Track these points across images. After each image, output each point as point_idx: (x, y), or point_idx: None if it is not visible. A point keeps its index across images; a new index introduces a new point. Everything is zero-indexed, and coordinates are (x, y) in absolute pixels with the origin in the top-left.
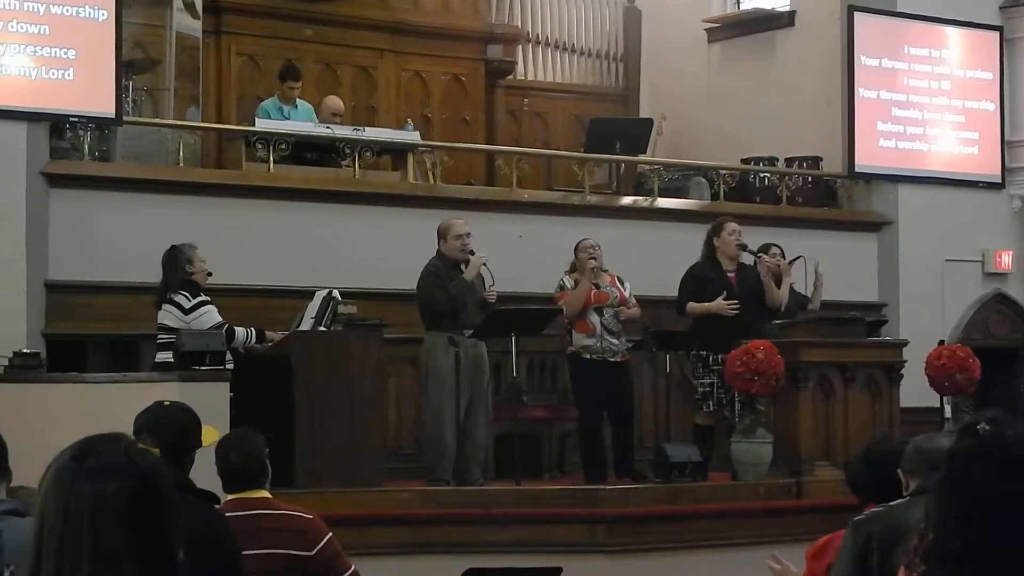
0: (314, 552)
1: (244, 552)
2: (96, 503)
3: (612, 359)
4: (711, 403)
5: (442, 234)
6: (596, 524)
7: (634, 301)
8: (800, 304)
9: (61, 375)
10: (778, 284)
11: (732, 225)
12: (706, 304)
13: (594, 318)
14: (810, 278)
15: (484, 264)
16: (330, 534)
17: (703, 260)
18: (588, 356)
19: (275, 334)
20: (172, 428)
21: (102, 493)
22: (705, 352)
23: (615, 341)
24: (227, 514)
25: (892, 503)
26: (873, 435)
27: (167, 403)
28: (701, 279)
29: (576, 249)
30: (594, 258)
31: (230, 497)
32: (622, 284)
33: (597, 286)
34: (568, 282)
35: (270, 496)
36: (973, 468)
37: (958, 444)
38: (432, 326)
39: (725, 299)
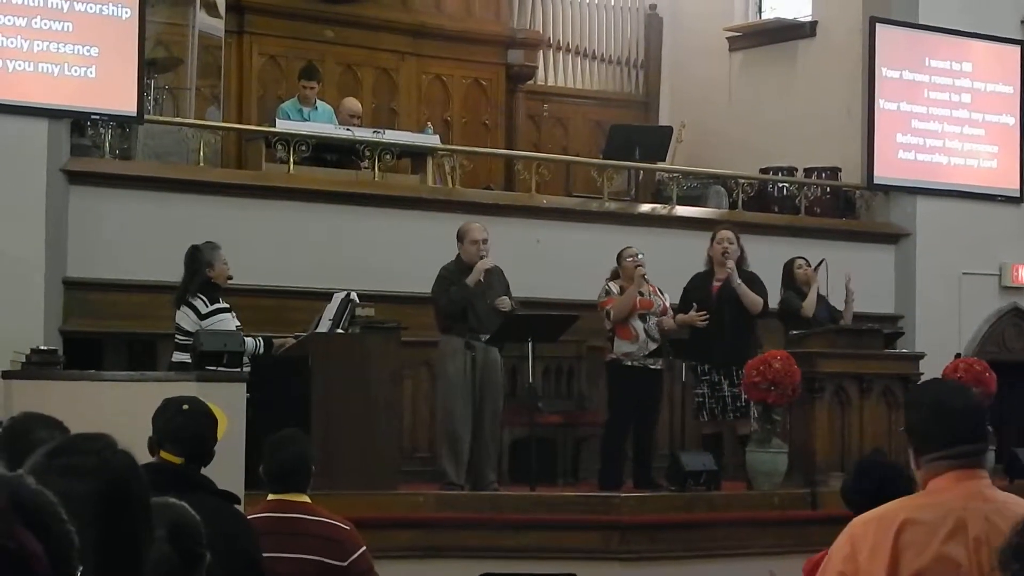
0: (347, 563)
1: (279, 555)
2: (65, 501)
3: (653, 366)
4: (704, 414)
5: (460, 237)
6: (611, 531)
7: (671, 312)
8: (833, 317)
9: (79, 372)
10: (805, 293)
11: (723, 233)
12: (680, 316)
13: (638, 324)
14: (833, 283)
15: (489, 269)
16: (364, 547)
17: (704, 270)
18: (629, 363)
19: (284, 341)
20: (194, 439)
21: (68, 492)
22: (694, 362)
23: (654, 347)
24: (267, 514)
25: None
26: (890, 446)
27: (185, 407)
28: (687, 290)
29: (619, 257)
30: (641, 265)
31: (272, 497)
32: (662, 294)
33: (641, 293)
34: (614, 288)
35: (310, 501)
36: None
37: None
38: (446, 330)
39: (698, 310)
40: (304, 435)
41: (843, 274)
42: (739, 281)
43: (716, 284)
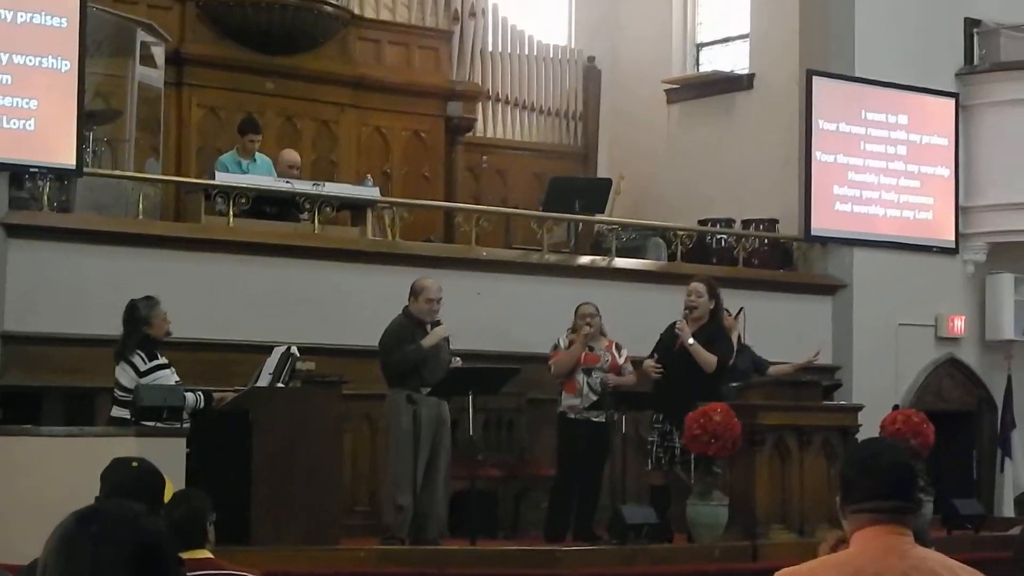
0: None
1: None
2: (94, 569)
3: (596, 419)
4: (651, 461)
5: (415, 292)
6: None
7: (630, 369)
8: (757, 367)
9: (17, 428)
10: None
11: (691, 286)
12: (645, 364)
13: (581, 378)
14: (753, 330)
15: (447, 338)
16: None
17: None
18: (572, 416)
19: (224, 394)
20: (144, 491)
21: (101, 559)
22: (652, 412)
23: (594, 399)
24: None
25: None
26: (829, 499)
27: (135, 463)
28: (661, 337)
29: (576, 312)
30: (589, 324)
31: None
32: (619, 351)
33: (591, 348)
34: (563, 342)
35: (212, 556)
36: None
37: None
38: (392, 383)
39: (659, 360)
40: (199, 492)
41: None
42: (691, 341)
43: (679, 335)
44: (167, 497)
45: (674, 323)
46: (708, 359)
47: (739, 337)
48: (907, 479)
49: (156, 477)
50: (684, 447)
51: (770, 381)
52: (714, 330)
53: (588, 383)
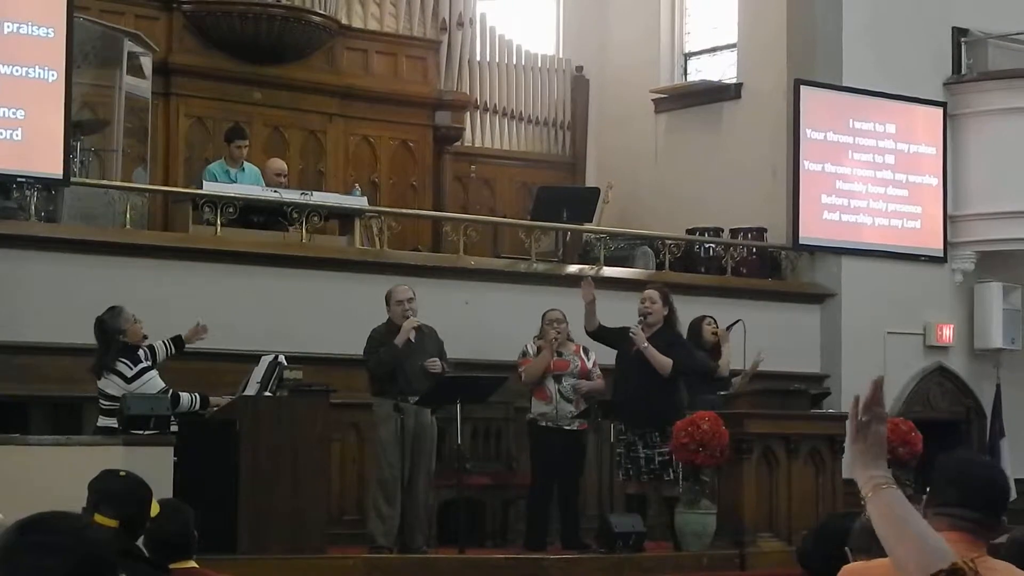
0: None
1: None
2: None
3: (568, 427)
4: (621, 473)
5: (387, 300)
6: None
7: (599, 373)
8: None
9: (5, 436)
10: (719, 352)
11: (645, 293)
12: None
13: (552, 386)
14: (750, 344)
15: (422, 331)
16: None
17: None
18: (544, 423)
19: (219, 399)
20: (131, 501)
21: (38, 569)
22: (615, 422)
23: (571, 408)
24: None
25: None
26: (817, 507)
27: (123, 473)
28: (622, 338)
29: (543, 318)
30: (557, 330)
31: None
32: (587, 355)
33: (560, 354)
34: (531, 349)
35: (197, 566)
36: None
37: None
38: (378, 392)
39: (619, 368)
40: (184, 503)
41: (756, 351)
42: (645, 344)
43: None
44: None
45: (628, 329)
46: (663, 362)
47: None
48: (998, 499)
49: (143, 489)
50: (650, 457)
51: (759, 389)
52: (671, 336)
53: (560, 390)
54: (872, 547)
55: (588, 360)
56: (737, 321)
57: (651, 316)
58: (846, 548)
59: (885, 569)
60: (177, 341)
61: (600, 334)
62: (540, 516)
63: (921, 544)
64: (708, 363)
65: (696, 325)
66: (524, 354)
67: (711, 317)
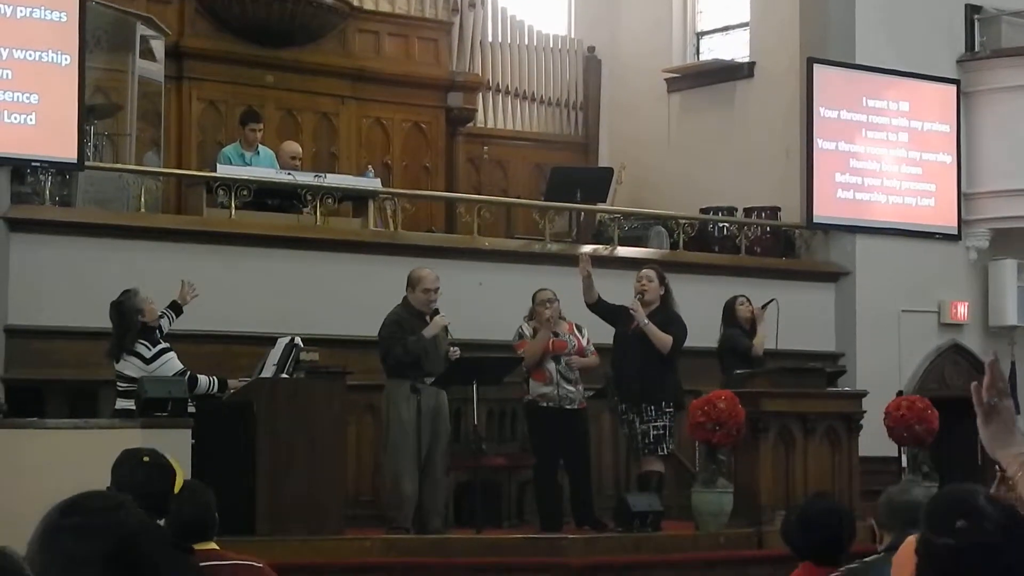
0: None
1: None
2: (73, 560)
3: (568, 407)
4: (632, 454)
5: (412, 283)
6: (557, 573)
7: (592, 349)
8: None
9: (22, 420)
10: (754, 331)
11: (642, 272)
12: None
13: (551, 366)
14: (783, 323)
15: (446, 327)
16: None
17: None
18: (544, 404)
19: (237, 382)
20: (154, 489)
21: (80, 550)
22: (617, 400)
23: (572, 389)
24: None
25: (867, 559)
26: (834, 485)
27: (146, 459)
28: (619, 313)
29: (533, 299)
30: (551, 309)
31: None
32: (580, 332)
33: (556, 334)
34: (527, 330)
35: (218, 547)
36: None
37: (936, 541)
38: (393, 374)
39: (617, 345)
40: (204, 485)
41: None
42: (646, 321)
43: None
44: (178, 484)
45: (626, 307)
46: (663, 339)
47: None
48: None
49: (165, 472)
50: (645, 432)
51: (775, 369)
52: (667, 315)
53: (559, 370)
54: (895, 523)
55: (583, 337)
56: (771, 300)
57: (647, 295)
58: (872, 522)
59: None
60: (174, 307)
61: (599, 307)
62: (550, 497)
63: None
64: (744, 342)
65: (730, 305)
66: (520, 336)
67: (744, 296)
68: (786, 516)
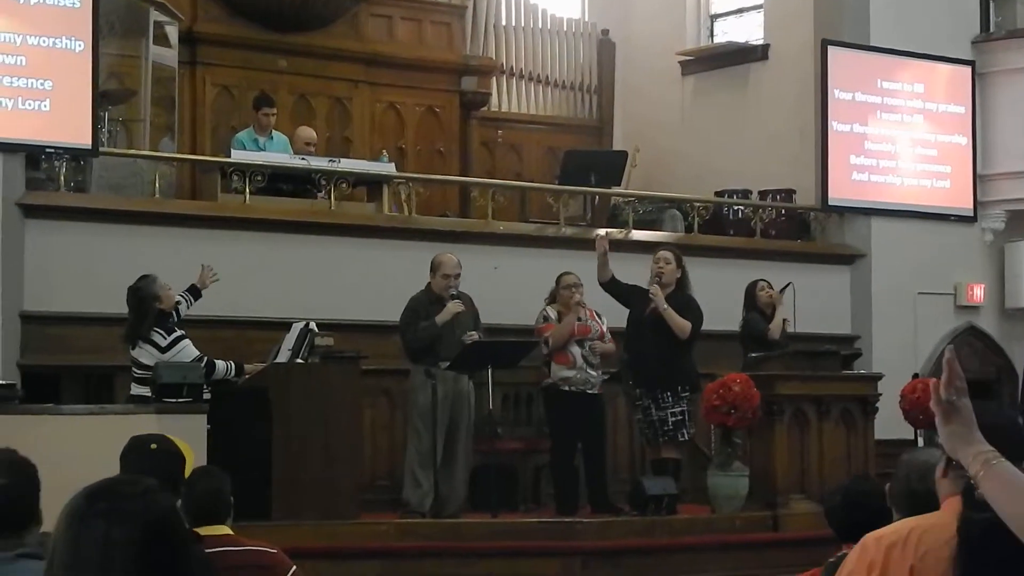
0: None
1: None
2: (104, 546)
3: (590, 391)
4: (641, 439)
5: (433, 268)
6: (572, 557)
7: (609, 336)
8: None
9: (37, 407)
10: (772, 316)
11: (659, 254)
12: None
13: (575, 350)
14: (799, 307)
15: (455, 298)
16: (295, 567)
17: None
18: (567, 388)
19: (254, 367)
20: (163, 477)
21: (111, 536)
22: (632, 384)
23: (594, 373)
24: None
25: None
26: (849, 469)
27: (154, 446)
28: (631, 293)
29: (557, 283)
30: (577, 293)
31: None
32: (600, 318)
33: (580, 319)
34: (552, 313)
35: (232, 532)
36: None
37: (976, 517)
38: (414, 359)
39: (632, 329)
40: (218, 469)
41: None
42: (665, 306)
43: (653, 306)
44: (188, 469)
45: (639, 287)
46: (682, 324)
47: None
48: (1015, 438)
49: (174, 459)
50: (663, 419)
51: (790, 352)
52: (684, 299)
53: (583, 355)
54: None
55: (604, 323)
56: (788, 284)
57: (665, 276)
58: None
59: (898, 535)
60: (193, 291)
61: (612, 286)
62: (568, 480)
63: None
64: (761, 326)
65: (750, 289)
66: (545, 319)
67: (764, 281)
68: (829, 497)
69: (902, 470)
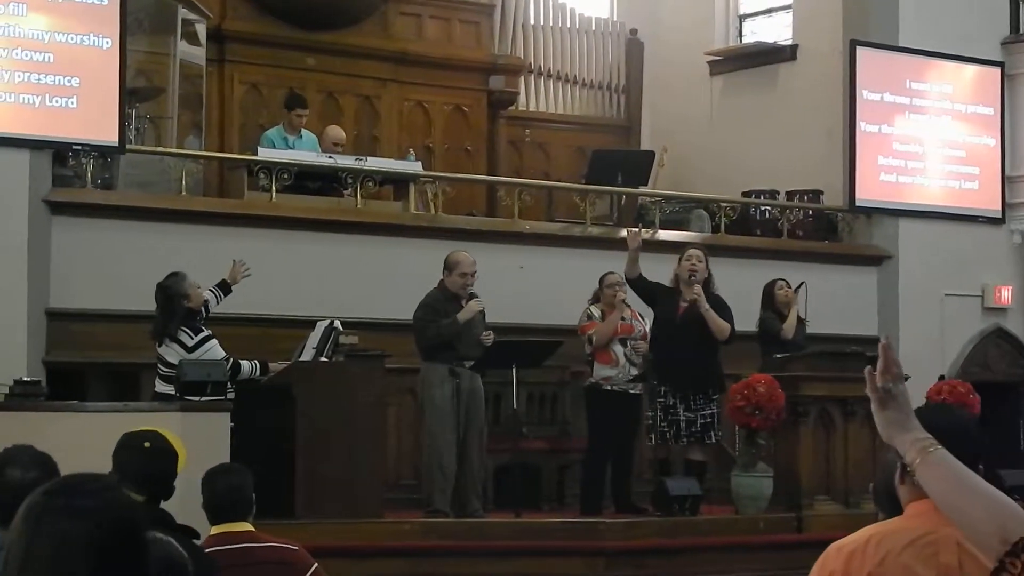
0: None
1: None
2: (59, 543)
3: (632, 391)
4: (653, 437)
5: (449, 266)
6: (596, 557)
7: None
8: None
9: (62, 404)
10: (786, 315)
11: (691, 252)
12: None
13: (618, 349)
14: (812, 306)
15: (481, 312)
16: (316, 564)
17: (670, 286)
18: (609, 387)
19: (278, 365)
20: (156, 479)
21: (66, 533)
22: (656, 383)
23: (637, 373)
24: (214, 548)
25: None
26: (873, 470)
27: (147, 444)
28: (654, 291)
29: (601, 283)
30: (624, 292)
31: (214, 531)
32: (642, 319)
33: (623, 318)
34: (596, 312)
35: (253, 529)
36: None
37: None
38: (429, 357)
39: (660, 328)
40: (240, 466)
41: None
42: (707, 306)
43: (682, 305)
44: (181, 464)
45: (662, 286)
46: (723, 326)
47: (798, 312)
48: (966, 442)
49: (166, 457)
50: (692, 420)
51: (815, 352)
52: (715, 299)
53: (625, 354)
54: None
55: (646, 324)
56: (801, 284)
57: (698, 275)
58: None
59: (857, 544)
60: (223, 286)
61: (639, 283)
62: (597, 480)
63: (990, 502)
64: (775, 325)
65: (768, 289)
66: (589, 317)
67: (783, 280)
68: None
69: (884, 470)
